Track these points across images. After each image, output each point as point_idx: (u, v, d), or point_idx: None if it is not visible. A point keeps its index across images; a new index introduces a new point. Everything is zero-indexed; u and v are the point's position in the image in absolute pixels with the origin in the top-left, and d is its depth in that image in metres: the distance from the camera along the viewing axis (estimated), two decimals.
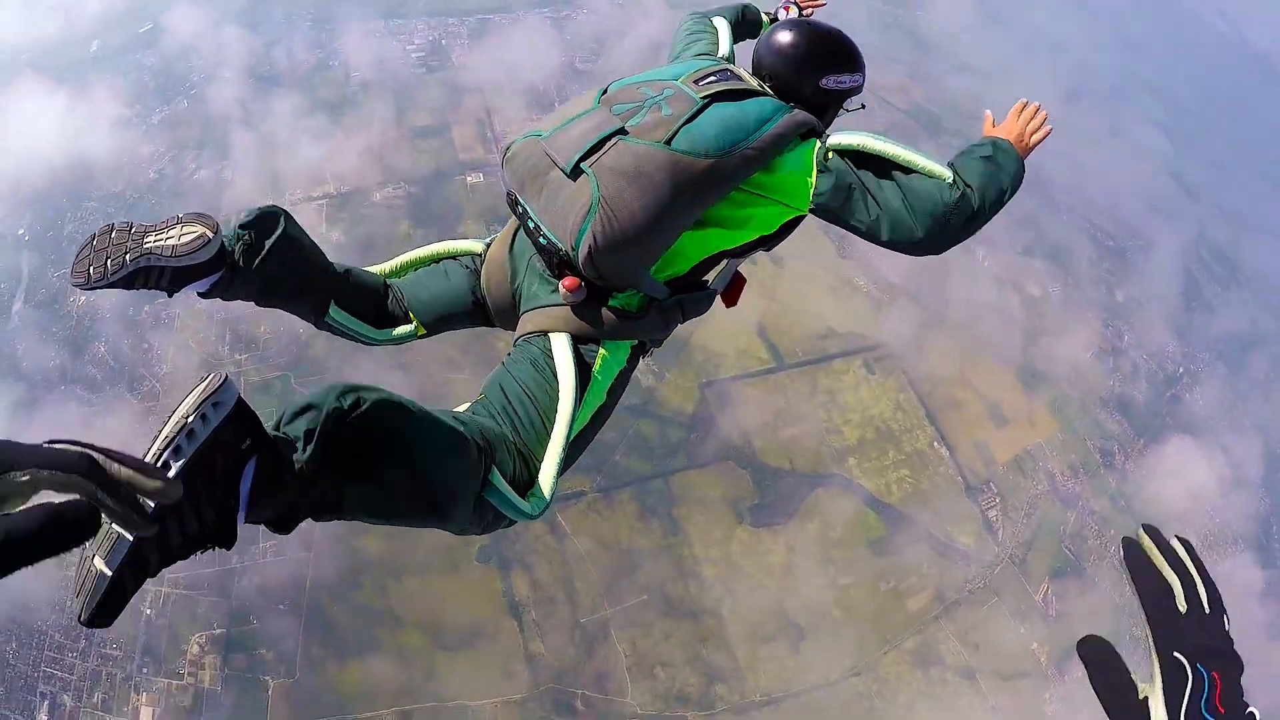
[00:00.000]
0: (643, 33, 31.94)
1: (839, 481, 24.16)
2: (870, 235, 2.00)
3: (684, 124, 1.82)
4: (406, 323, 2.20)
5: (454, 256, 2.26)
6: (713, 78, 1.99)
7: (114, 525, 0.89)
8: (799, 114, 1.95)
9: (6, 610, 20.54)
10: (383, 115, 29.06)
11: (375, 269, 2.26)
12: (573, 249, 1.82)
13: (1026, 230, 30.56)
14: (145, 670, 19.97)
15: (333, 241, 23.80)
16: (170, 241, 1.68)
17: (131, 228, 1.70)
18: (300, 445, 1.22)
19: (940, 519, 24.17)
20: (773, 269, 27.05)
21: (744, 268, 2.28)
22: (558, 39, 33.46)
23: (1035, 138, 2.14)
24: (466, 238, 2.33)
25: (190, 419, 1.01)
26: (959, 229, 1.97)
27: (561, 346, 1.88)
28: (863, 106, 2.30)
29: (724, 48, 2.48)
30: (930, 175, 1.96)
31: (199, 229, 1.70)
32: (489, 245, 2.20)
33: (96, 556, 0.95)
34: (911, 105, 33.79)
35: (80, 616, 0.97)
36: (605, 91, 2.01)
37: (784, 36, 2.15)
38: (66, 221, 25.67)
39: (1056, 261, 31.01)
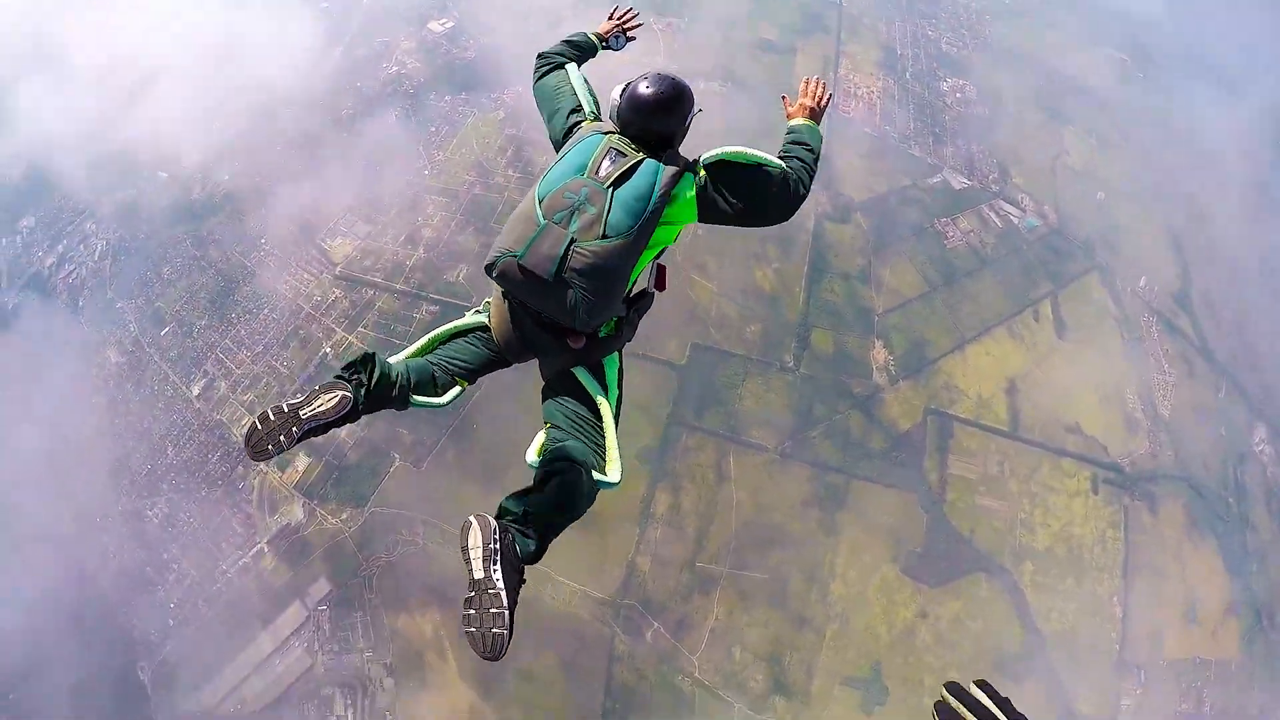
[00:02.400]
0: None
1: (1005, 579, 21.26)
2: (740, 222, 2.83)
3: (606, 216, 2.58)
4: (455, 386, 2.95)
5: (467, 331, 3.05)
6: (606, 162, 2.70)
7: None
8: (671, 169, 2.70)
9: (214, 287, 20.97)
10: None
11: (412, 350, 2.99)
12: (576, 325, 2.68)
13: None
14: (298, 397, 20.20)
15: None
16: (322, 408, 2.41)
17: (285, 408, 2.38)
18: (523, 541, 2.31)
19: (1076, 675, 21.17)
20: (1053, 338, 23.35)
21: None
22: None
23: (823, 103, 3.23)
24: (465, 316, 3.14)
25: (491, 544, 2.06)
26: (797, 199, 2.88)
27: (586, 376, 2.88)
28: (700, 110, 2.99)
29: (586, 102, 3.15)
30: (770, 168, 2.79)
31: (338, 394, 2.47)
32: (488, 316, 3.02)
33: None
34: None
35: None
36: (541, 200, 2.65)
37: (643, 102, 2.77)
38: None
39: None
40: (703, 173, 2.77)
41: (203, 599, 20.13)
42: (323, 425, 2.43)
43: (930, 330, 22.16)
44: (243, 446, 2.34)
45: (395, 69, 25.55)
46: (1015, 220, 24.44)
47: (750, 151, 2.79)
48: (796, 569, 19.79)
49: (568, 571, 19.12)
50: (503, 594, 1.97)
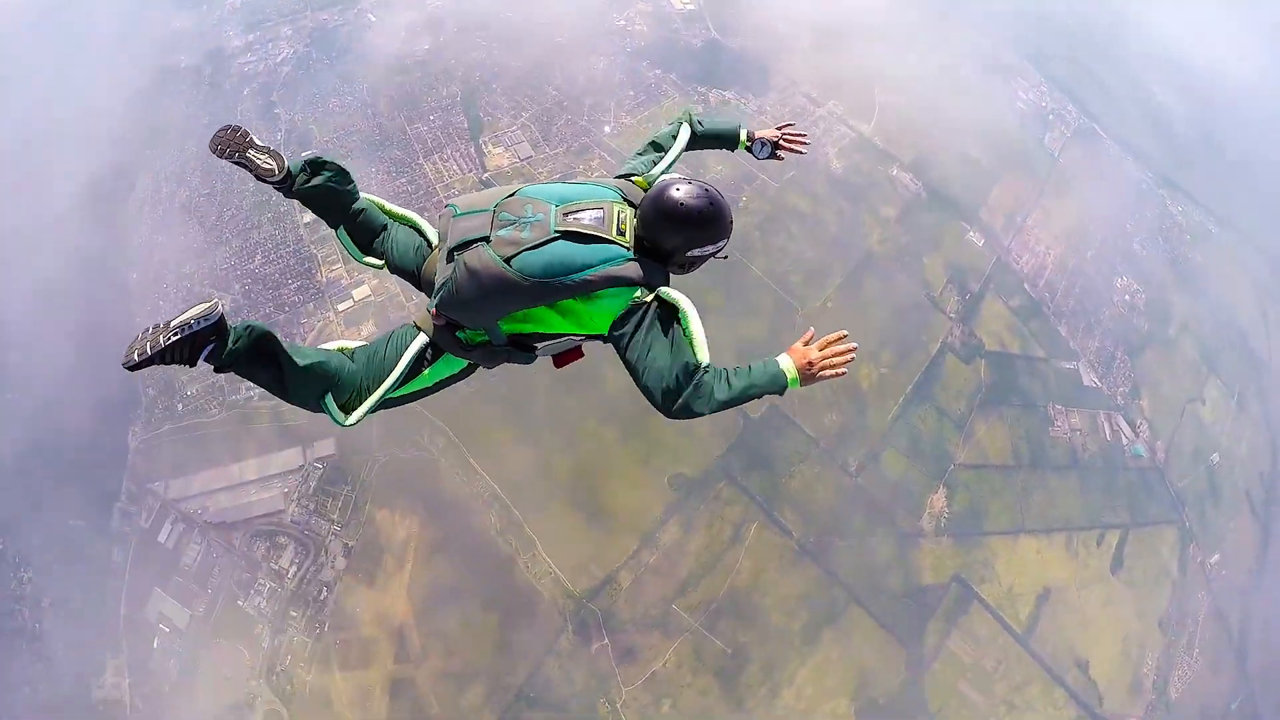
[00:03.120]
0: None
1: None
2: (632, 374, 2.45)
3: (527, 249, 2.41)
4: (379, 261, 2.99)
5: (424, 237, 2.97)
6: (583, 214, 2.50)
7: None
8: (624, 271, 2.41)
9: (369, 137, 20.72)
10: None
11: (388, 206, 3.07)
12: (433, 299, 2.64)
13: None
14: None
15: None
16: (258, 163, 2.78)
17: (247, 137, 2.79)
18: (231, 344, 2.34)
19: None
20: (1105, 569, 22.38)
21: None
22: None
23: (825, 374, 2.39)
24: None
25: (196, 327, 2.19)
26: (682, 410, 2.35)
27: (416, 344, 2.74)
28: (725, 257, 2.63)
29: (659, 168, 2.93)
30: (690, 362, 2.37)
31: (274, 165, 2.79)
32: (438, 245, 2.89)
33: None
34: None
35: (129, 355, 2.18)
36: (512, 195, 2.60)
37: (661, 203, 2.43)
38: None
39: None
40: (645, 303, 2.44)
41: (218, 403, 20.53)
42: (252, 171, 2.79)
43: (995, 503, 21.32)
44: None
45: (623, 23, 25.71)
46: (1125, 441, 23.38)
47: (696, 331, 2.41)
48: (760, 658, 19.22)
49: (554, 551, 18.90)
50: (159, 346, 2.18)
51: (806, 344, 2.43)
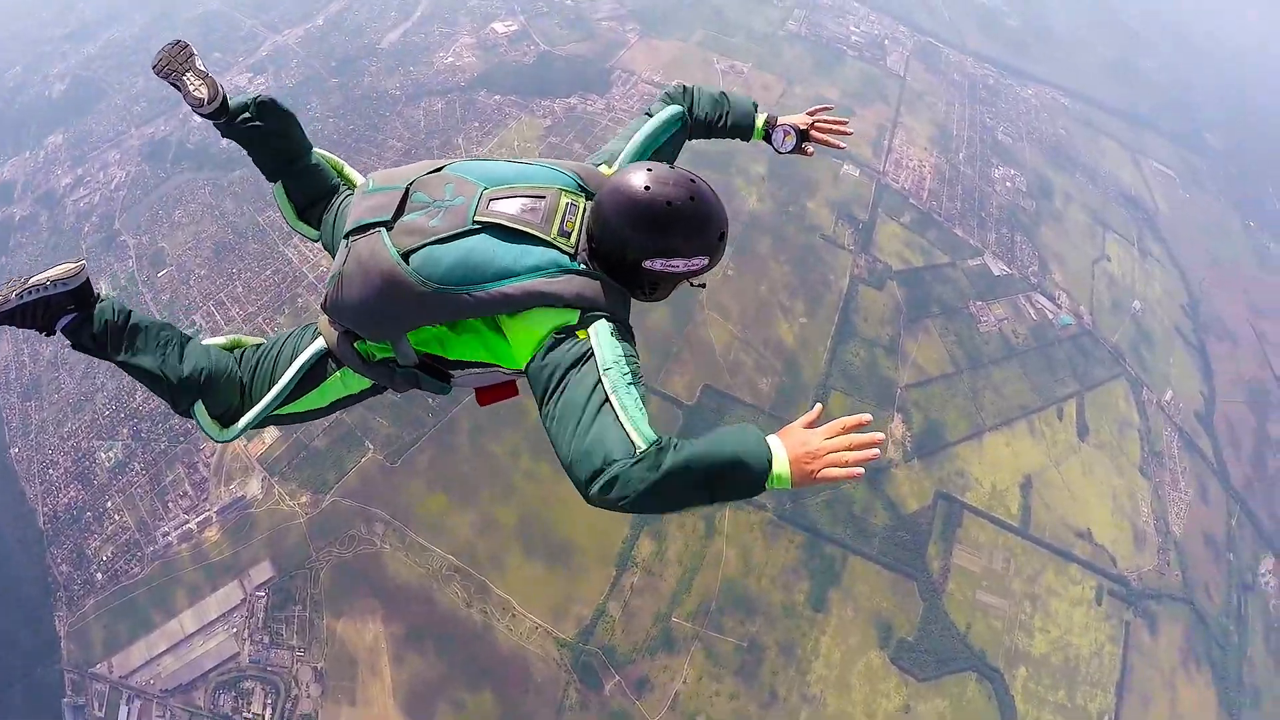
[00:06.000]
0: None
1: (996, 682, 19.87)
2: (549, 438, 1.64)
3: (432, 243, 1.77)
4: (316, 230, 2.41)
5: None
6: (513, 201, 1.84)
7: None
8: (555, 287, 1.72)
9: (222, 239, 20.01)
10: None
11: (349, 174, 2.51)
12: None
13: None
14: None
15: None
16: (189, 88, 2.24)
17: (189, 59, 2.28)
18: (96, 323, 2.04)
19: None
20: (1074, 439, 22.69)
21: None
22: None
23: (829, 473, 1.49)
24: None
25: (52, 280, 1.92)
26: (609, 500, 1.50)
27: (310, 352, 2.12)
28: (703, 286, 1.93)
29: (627, 150, 2.22)
30: (624, 434, 1.51)
31: (205, 93, 2.23)
32: None
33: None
34: None
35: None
36: (436, 170, 1.99)
37: (626, 195, 1.72)
38: None
39: None
40: (583, 335, 1.70)
41: (136, 559, 18.71)
42: (184, 98, 2.30)
43: (950, 412, 21.33)
44: (167, 51, 2.30)
45: (451, 60, 25.64)
46: (1050, 315, 23.98)
47: (625, 396, 1.58)
48: (776, 641, 18.39)
49: (531, 604, 17.68)
50: (10, 304, 1.91)
51: (810, 425, 1.59)
